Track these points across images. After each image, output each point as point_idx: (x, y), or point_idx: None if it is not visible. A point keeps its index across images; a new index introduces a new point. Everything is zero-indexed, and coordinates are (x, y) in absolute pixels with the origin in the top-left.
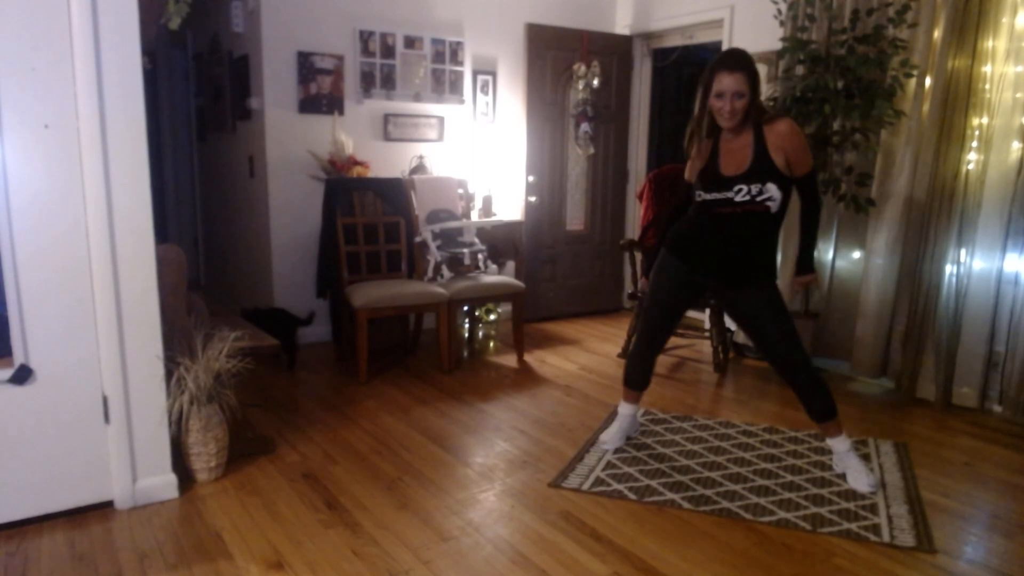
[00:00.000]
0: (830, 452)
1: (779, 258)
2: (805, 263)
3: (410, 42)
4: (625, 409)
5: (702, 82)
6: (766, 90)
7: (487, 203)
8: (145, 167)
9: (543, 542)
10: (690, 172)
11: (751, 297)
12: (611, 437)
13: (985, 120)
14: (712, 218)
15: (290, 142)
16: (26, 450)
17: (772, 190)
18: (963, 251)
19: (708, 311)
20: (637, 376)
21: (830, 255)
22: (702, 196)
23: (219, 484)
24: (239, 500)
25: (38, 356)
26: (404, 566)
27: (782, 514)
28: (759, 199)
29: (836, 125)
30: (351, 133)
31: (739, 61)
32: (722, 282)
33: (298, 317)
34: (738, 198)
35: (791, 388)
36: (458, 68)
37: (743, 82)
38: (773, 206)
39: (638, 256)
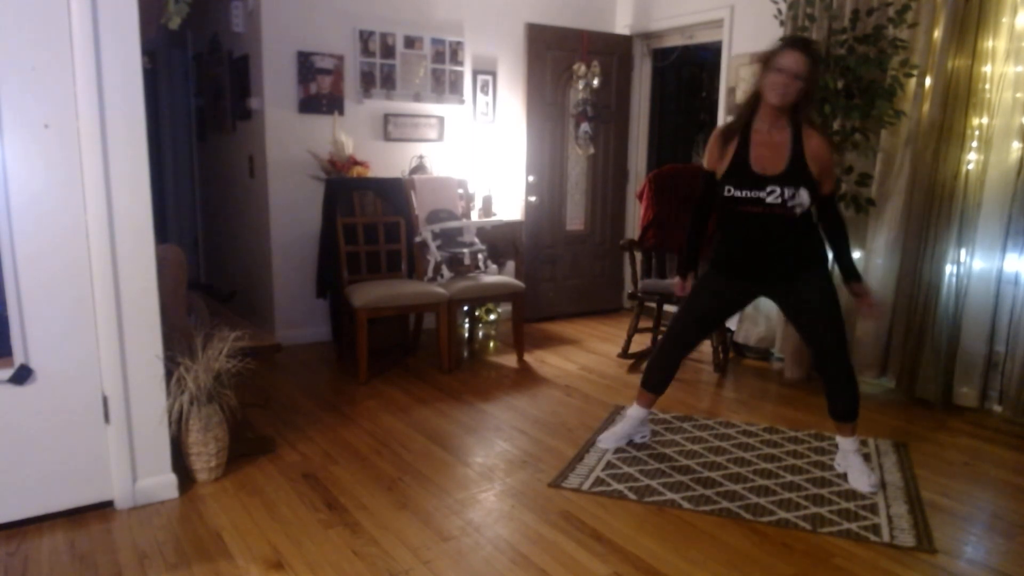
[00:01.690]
0: (830, 452)
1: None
2: (850, 272)
3: (410, 42)
4: (635, 412)
5: (762, 59)
6: None
7: (487, 203)
8: (145, 167)
9: (543, 542)
10: (712, 162)
11: (802, 290)
12: (608, 437)
13: (985, 120)
14: (736, 216)
15: (290, 142)
16: (26, 450)
17: (804, 196)
18: (963, 251)
19: None
20: (657, 379)
21: (830, 255)
22: (731, 192)
23: (219, 484)
24: (239, 500)
25: (38, 356)
26: (404, 566)
27: (782, 514)
28: (790, 203)
29: (836, 125)
30: (351, 133)
31: (808, 46)
32: (771, 284)
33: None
34: (769, 199)
35: (824, 382)
36: (458, 68)
37: (804, 65)
38: (799, 211)
39: (638, 256)
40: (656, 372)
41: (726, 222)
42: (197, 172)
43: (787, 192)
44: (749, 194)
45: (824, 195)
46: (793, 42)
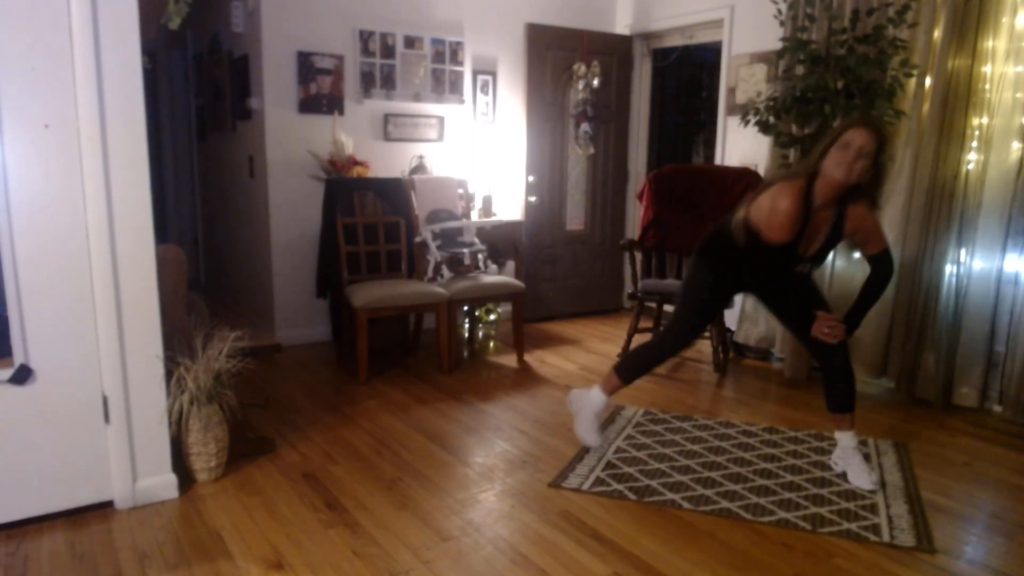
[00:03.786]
0: (830, 452)
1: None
2: (854, 319)
3: (410, 42)
4: (597, 397)
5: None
6: (766, 90)
7: (487, 203)
8: (145, 167)
9: (543, 542)
10: (781, 234)
11: (787, 292)
12: (587, 434)
13: (985, 120)
14: (766, 272)
15: (290, 142)
16: (26, 450)
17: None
18: (963, 251)
19: None
20: (638, 373)
21: (830, 255)
22: (774, 263)
23: (219, 484)
24: (239, 500)
25: (38, 356)
26: (404, 566)
27: (782, 514)
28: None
29: (836, 125)
30: (351, 133)
31: (876, 123)
32: (759, 291)
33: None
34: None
35: (822, 374)
36: (458, 68)
37: (872, 143)
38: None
39: (638, 256)
40: (643, 368)
41: (755, 273)
42: (197, 172)
43: (816, 263)
44: (785, 267)
45: (870, 255)
46: (860, 121)
